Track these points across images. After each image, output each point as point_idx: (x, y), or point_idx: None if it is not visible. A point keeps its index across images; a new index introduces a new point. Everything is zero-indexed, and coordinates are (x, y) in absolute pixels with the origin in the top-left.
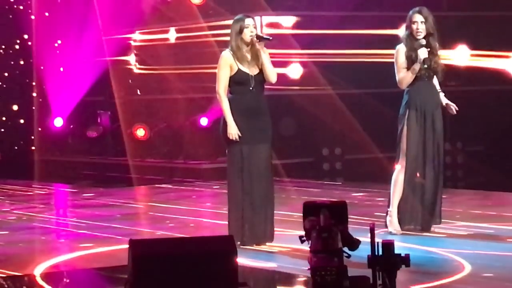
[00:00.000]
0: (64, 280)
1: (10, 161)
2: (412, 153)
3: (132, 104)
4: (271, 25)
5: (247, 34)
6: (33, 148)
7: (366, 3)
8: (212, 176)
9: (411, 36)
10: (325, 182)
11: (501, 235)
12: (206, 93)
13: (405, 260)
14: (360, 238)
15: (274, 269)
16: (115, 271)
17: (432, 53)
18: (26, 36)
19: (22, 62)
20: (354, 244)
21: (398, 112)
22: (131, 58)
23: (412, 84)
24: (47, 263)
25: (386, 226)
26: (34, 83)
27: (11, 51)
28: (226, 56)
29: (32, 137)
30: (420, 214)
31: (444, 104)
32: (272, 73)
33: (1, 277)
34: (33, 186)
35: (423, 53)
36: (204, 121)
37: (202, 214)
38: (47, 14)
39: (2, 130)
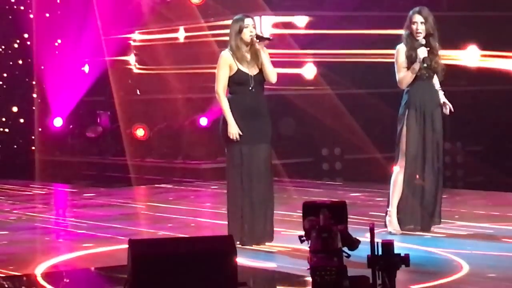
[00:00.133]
0: (65, 280)
1: (10, 161)
2: (412, 153)
3: (131, 104)
4: (280, 25)
5: (247, 34)
6: (33, 148)
7: (366, 3)
8: (211, 176)
9: (411, 36)
10: (325, 182)
11: (501, 235)
12: (206, 93)
13: (404, 260)
14: (359, 238)
15: (273, 269)
16: (114, 271)
17: (432, 53)
18: (26, 35)
19: (22, 62)
20: (353, 244)
21: (398, 112)
22: (131, 58)
23: (411, 84)
24: (47, 263)
25: (385, 226)
26: (34, 82)
27: (10, 51)
28: (226, 56)
29: (33, 137)
30: (420, 214)
31: (441, 102)
32: (272, 73)
33: (1, 277)
34: (33, 186)
35: (422, 52)
36: (203, 121)
37: (202, 214)
38: (48, 15)
39: (2, 129)
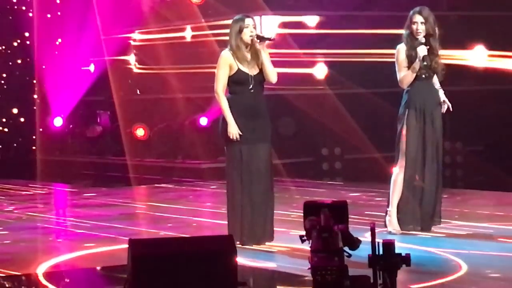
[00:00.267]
0: (65, 280)
1: (10, 161)
2: (412, 153)
3: (131, 104)
4: (281, 24)
5: (247, 34)
6: (34, 148)
7: (365, 3)
8: (211, 176)
9: (411, 36)
10: (325, 182)
11: (501, 235)
12: (206, 93)
13: (405, 259)
14: (359, 238)
15: (273, 268)
16: (114, 270)
17: (433, 53)
18: (27, 34)
19: (22, 62)
20: (354, 243)
21: (398, 112)
22: (131, 58)
23: (411, 84)
24: (48, 263)
25: (385, 226)
26: (35, 81)
27: (9, 51)
28: (226, 55)
29: (34, 137)
30: (420, 214)
31: (441, 100)
32: (272, 73)
33: (1, 276)
34: (33, 186)
35: (422, 50)
36: (203, 121)
37: (202, 213)
38: (49, 16)
39: (1, 129)
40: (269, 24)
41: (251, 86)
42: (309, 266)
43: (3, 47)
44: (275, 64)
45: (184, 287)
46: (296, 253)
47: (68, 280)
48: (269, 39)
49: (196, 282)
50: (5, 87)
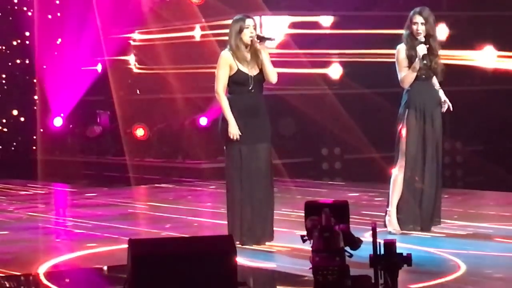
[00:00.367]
0: (65, 279)
1: (10, 161)
2: (412, 153)
3: (131, 103)
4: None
5: (247, 35)
6: (34, 148)
7: (364, 3)
8: (211, 176)
9: (411, 36)
10: (324, 182)
11: (501, 235)
12: (206, 93)
13: (407, 259)
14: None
15: (273, 268)
16: (114, 270)
17: (432, 53)
18: (27, 33)
19: (22, 62)
20: (355, 243)
21: (398, 112)
22: (131, 58)
23: (411, 84)
24: (48, 263)
25: (385, 226)
26: (35, 80)
27: (8, 51)
28: (226, 56)
29: (34, 137)
30: (420, 214)
31: (442, 100)
32: (272, 73)
33: (2, 276)
34: (33, 186)
35: (421, 49)
36: (203, 121)
37: (202, 213)
38: (50, 16)
39: (1, 129)
40: (270, 24)
41: (251, 87)
42: (310, 266)
43: (3, 47)
44: (279, 64)
45: (184, 287)
46: (296, 253)
47: (68, 280)
48: (269, 39)
49: (196, 282)
50: (5, 87)
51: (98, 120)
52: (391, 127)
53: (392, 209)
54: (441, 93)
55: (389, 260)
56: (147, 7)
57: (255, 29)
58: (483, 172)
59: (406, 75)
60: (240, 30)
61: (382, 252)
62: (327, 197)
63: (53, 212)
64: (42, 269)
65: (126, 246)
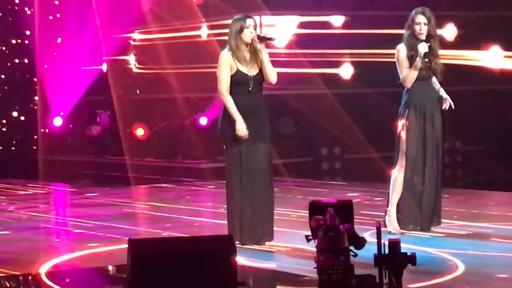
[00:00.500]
0: (65, 279)
1: (10, 161)
2: (412, 152)
3: (131, 103)
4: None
5: (247, 35)
6: (34, 147)
7: (364, 3)
8: (211, 176)
9: (412, 36)
10: (324, 182)
11: (500, 235)
12: (206, 93)
13: (411, 259)
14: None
15: (273, 268)
16: (114, 270)
17: (433, 54)
18: (28, 32)
19: (21, 61)
20: (360, 243)
21: (398, 111)
22: (131, 58)
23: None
24: (49, 263)
25: (385, 226)
26: (35, 80)
27: (8, 51)
28: (226, 56)
29: (35, 137)
30: (420, 214)
31: (443, 97)
32: (272, 73)
33: (2, 276)
34: (33, 185)
35: (423, 47)
36: (203, 121)
37: (202, 213)
38: (51, 17)
39: (1, 129)
40: (276, 25)
41: (250, 87)
42: (315, 265)
43: (3, 47)
44: (279, 64)
45: (184, 287)
46: (296, 253)
47: (68, 280)
48: (270, 39)
49: (196, 282)
50: (5, 87)
51: (98, 120)
52: (391, 127)
53: (392, 209)
54: (442, 91)
55: (393, 260)
56: (147, 6)
57: (255, 29)
58: (483, 172)
59: (408, 74)
60: (241, 30)
61: (387, 251)
62: (328, 197)
63: (53, 212)
64: (42, 269)
65: (126, 246)
